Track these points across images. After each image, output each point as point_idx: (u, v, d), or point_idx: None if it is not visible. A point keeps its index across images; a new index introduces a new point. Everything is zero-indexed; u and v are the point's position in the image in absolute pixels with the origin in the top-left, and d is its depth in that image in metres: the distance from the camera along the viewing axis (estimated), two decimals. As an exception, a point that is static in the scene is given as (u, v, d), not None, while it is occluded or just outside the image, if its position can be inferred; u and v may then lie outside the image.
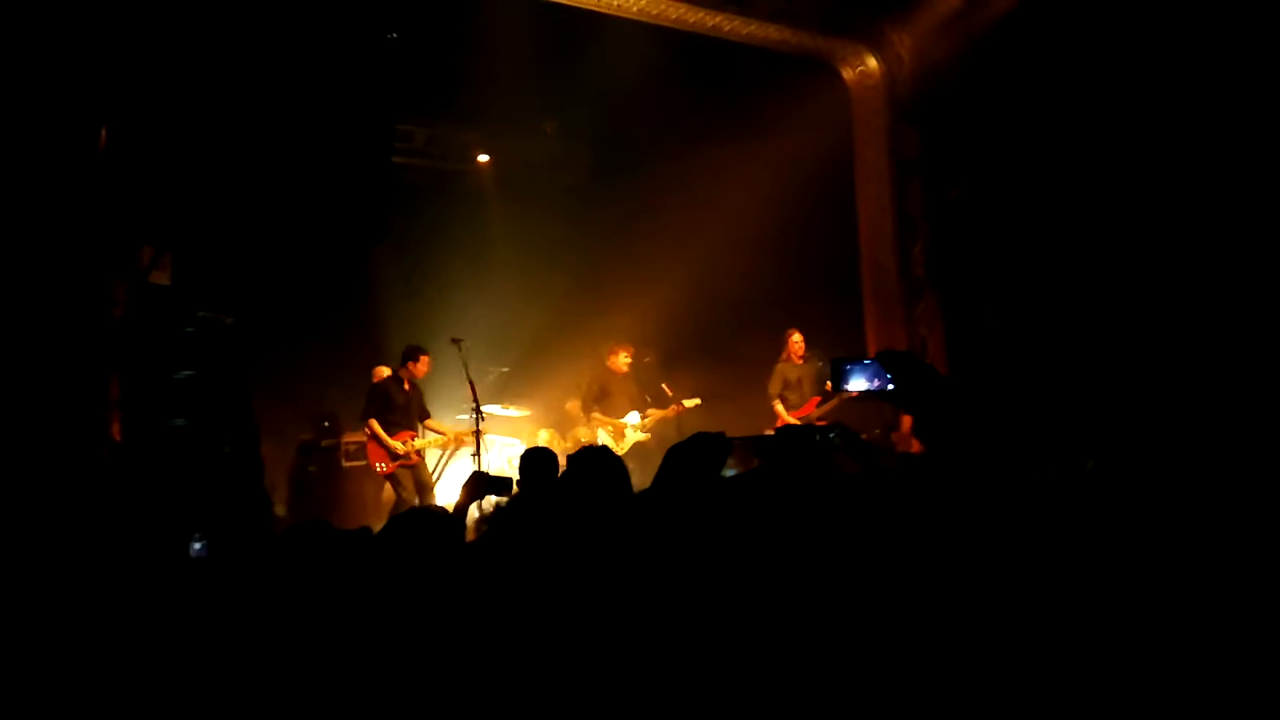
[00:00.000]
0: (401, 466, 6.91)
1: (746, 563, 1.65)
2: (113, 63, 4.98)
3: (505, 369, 8.50)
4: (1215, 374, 5.26)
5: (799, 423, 7.27)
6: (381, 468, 6.90)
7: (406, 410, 7.00)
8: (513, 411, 8.28)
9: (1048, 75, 6.54)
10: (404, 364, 7.07)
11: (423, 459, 7.05)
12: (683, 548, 1.77)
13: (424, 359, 7.08)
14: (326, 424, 8.09)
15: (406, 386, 7.06)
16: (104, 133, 5.06)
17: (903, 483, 1.87)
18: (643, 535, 1.97)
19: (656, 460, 2.37)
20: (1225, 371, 5.23)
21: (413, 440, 6.98)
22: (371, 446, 6.99)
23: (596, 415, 7.66)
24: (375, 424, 6.90)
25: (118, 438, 5.17)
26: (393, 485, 6.97)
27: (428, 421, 7.14)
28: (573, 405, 8.45)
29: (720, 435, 2.27)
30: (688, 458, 2.20)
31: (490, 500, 2.85)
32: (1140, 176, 6.05)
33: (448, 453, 7.56)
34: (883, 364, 1.85)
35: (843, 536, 1.65)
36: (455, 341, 6.87)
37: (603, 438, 7.58)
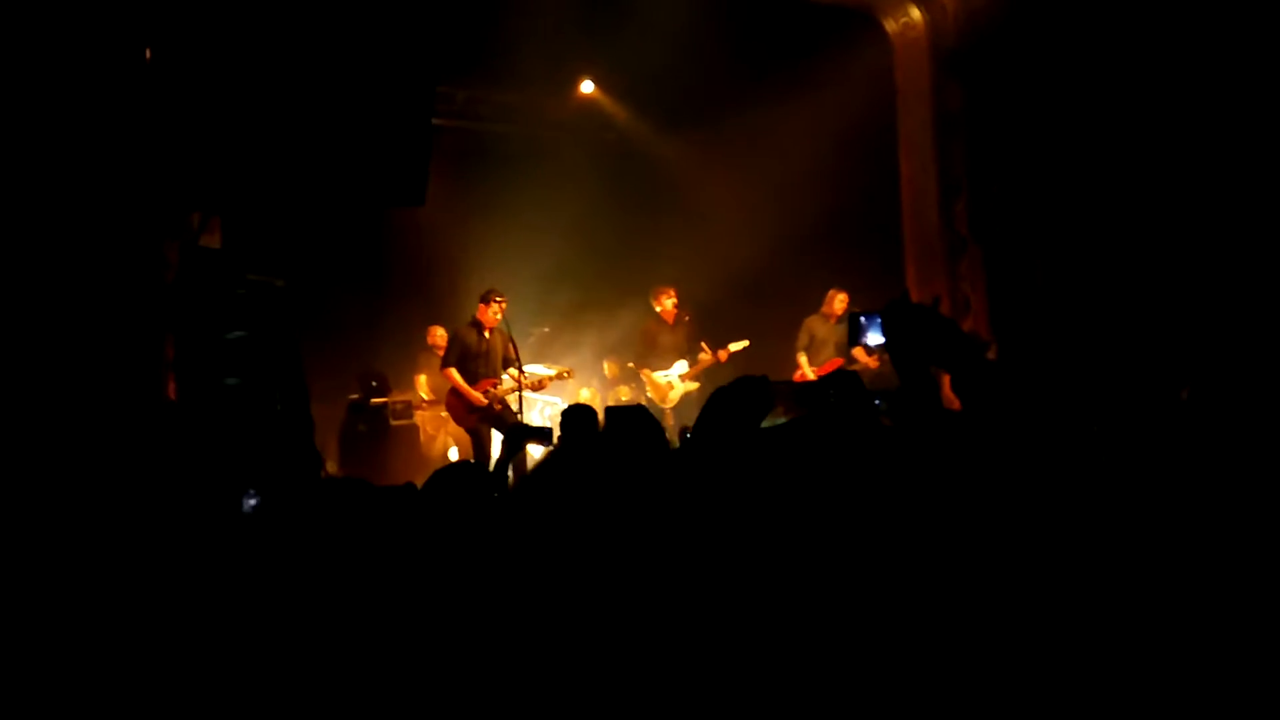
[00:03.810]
0: (482, 419, 6.63)
1: (787, 516, 1.62)
2: (163, 31, 5.06)
3: (546, 329, 8.58)
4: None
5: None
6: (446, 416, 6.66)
7: (487, 358, 6.69)
8: (553, 371, 8.36)
9: (1096, 24, 6.34)
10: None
11: (506, 408, 6.67)
12: (722, 499, 1.76)
13: (489, 304, 6.74)
14: (375, 383, 8.25)
15: (487, 333, 6.77)
16: (150, 104, 5.16)
17: (939, 439, 1.82)
18: (681, 487, 1.99)
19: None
20: None
21: (494, 389, 6.70)
22: (450, 399, 6.78)
23: (645, 371, 7.63)
24: (453, 373, 6.65)
25: (173, 397, 5.34)
26: (473, 441, 6.74)
27: (519, 368, 6.71)
28: (610, 366, 8.50)
29: (764, 379, 2.21)
30: (731, 402, 2.16)
31: (533, 451, 2.92)
32: (1190, 128, 5.88)
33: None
34: (882, 317, 1.80)
35: (885, 493, 1.60)
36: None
37: (649, 393, 7.60)
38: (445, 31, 6.59)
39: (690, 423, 4.12)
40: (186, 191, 5.43)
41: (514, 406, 6.66)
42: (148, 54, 5.02)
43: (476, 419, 6.67)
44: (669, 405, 7.49)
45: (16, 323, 4.52)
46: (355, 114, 5.41)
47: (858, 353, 7.54)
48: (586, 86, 9.62)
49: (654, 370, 7.63)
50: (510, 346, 6.73)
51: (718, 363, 7.58)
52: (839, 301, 7.66)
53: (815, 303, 7.80)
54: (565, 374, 6.99)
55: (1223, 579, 1.45)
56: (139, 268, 5.16)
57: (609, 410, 2.37)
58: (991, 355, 6.60)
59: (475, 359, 6.70)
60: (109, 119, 4.88)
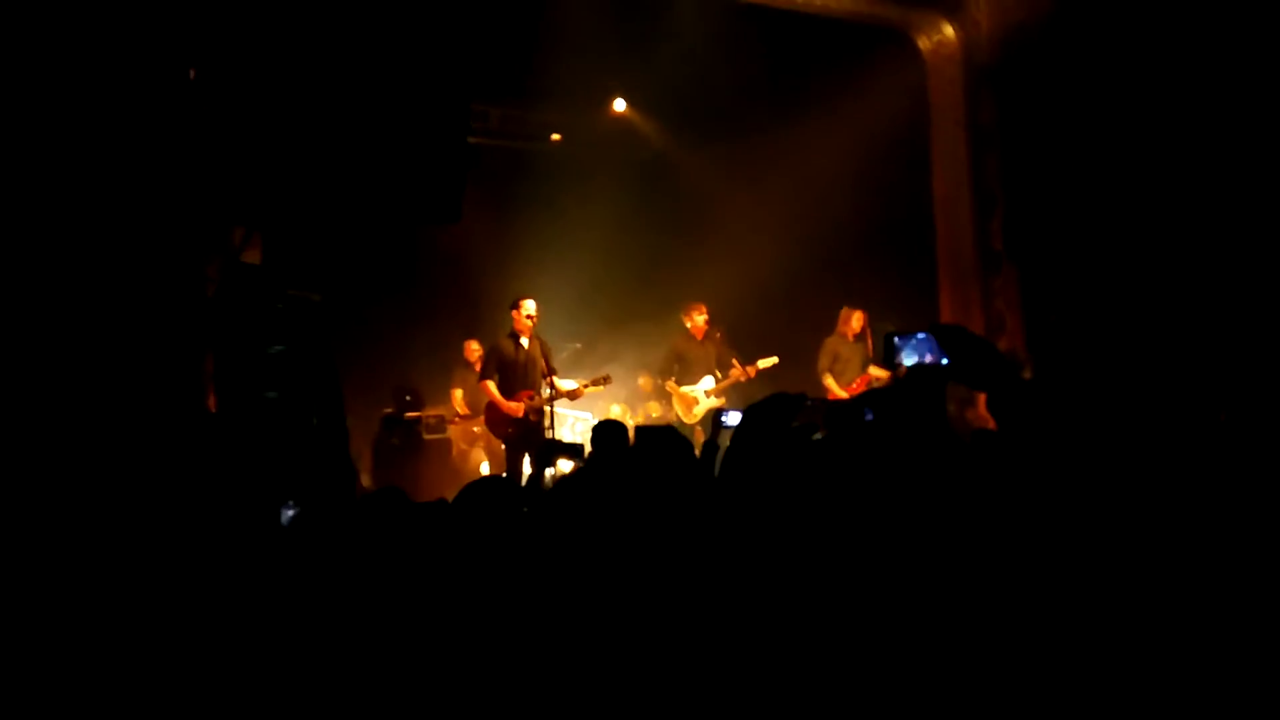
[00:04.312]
0: (519, 432, 6.55)
1: (821, 531, 1.60)
2: (207, 52, 5.19)
3: (578, 345, 8.63)
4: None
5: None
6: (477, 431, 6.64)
7: (525, 370, 6.62)
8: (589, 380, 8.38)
9: (1129, 39, 6.30)
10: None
11: (540, 421, 6.58)
12: (756, 514, 1.74)
13: (518, 308, 6.66)
14: (409, 398, 8.34)
15: (525, 342, 6.70)
16: (194, 122, 5.28)
17: (975, 458, 1.81)
18: (713, 500, 1.99)
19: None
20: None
21: (530, 400, 6.62)
22: (489, 411, 6.76)
23: (671, 384, 7.66)
24: (490, 385, 6.64)
25: (213, 409, 5.44)
26: (508, 455, 6.70)
27: (551, 379, 6.57)
28: (644, 381, 8.52)
29: (801, 396, 2.15)
30: (765, 417, 2.09)
31: (563, 466, 2.93)
32: (1224, 143, 5.81)
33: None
34: (937, 338, 1.76)
35: (922, 508, 1.58)
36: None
37: (676, 407, 7.61)
38: (481, 51, 6.69)
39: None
40: (229, 208, 5.55)
41: (547, 420, 6.67)
42: (191, 74, 5.15)
43: (514, 431, 6.66)
44: (693, 421, 7.49)
45: (60, 336, 4.63)
46: (393, 132, 5.51)
47: (876, 371, 7.52)
48: (619, 105, 9.71)
49: (681, 385, 7.64)
50: (544, 359, 6.71)
51: (747, 378, 7.57)
52: (856, 319, 7.64)
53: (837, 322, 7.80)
54: (603, 380, 6.99)
55: (1255, 599, 1.44)
56: (181, 283, 5.28)
57: (639, 430, 2.37)
58: (1027, 375, 6.54)
59: (512, 370, 6.70)
60: (153, 137, 5.00)
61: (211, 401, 5.43)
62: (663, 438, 2.36)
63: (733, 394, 7.62)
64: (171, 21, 5.05)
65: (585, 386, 6.84)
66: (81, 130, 4.72)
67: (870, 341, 7.68)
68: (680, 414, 7.55)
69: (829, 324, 7.86)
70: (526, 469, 6.56)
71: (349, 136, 5.51)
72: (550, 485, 3.30)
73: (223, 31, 5.22)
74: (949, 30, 7.95)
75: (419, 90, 5.63)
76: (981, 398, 7.32)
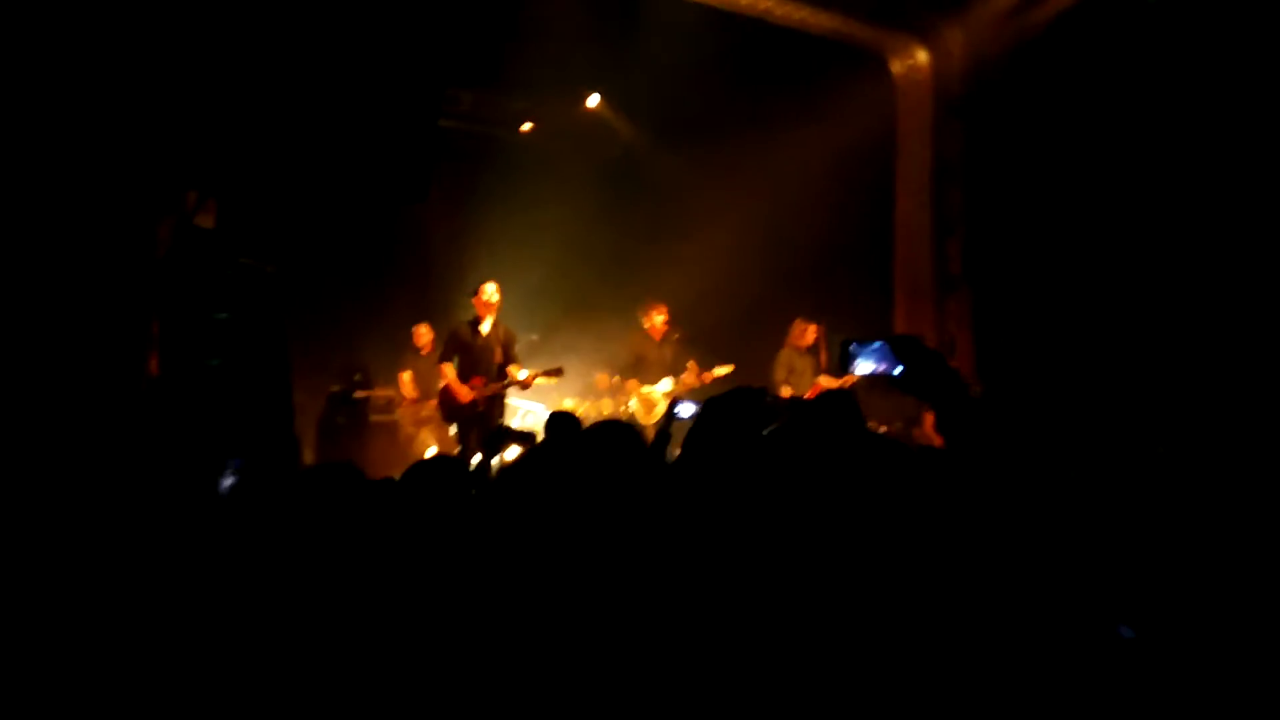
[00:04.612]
0: (467, 418, 6.53)
1: (780, 524, 1.60)
2: (165, 13, 5.07)
3: (534, 336, 8.60)
4: (1261, 376, 5.22)
5: None
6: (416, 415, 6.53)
7: (479, 354, 6.60)
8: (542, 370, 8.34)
9: (1097, 73, 6.46)
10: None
11: (491, 409, 6.56)
12: (717, 503, 1.74)
13: (479, 291, 6.66)
14: (358, 377, 8.23)
15: (483, 329, 6.67)
16: (156, 77, 5.17)
17: (920, 475, 1.83)
18: (668, 485, 1.98)
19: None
20: (1271, 373, 5.20)
21: (483, 387, 6.56)
22: (441, 394, 6.70)
23: (634, 384, 7.64)
24: (447, 369, 6.59)
25: (155, 373, 5.32)
26: (459, 439, 6.67)
27: (510, 369, 6.61)
28: (601, 378, 8.52)
29: (762, 390, 2.15)
30: (726, 411, 2.10)
31: (513, 452, 2.92)
32: (1189, 181, 5.99)
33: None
34: (893, 348, 1.78)
35: (880, 505, 1.59)
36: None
37: (633, 405, 7.60)
38: (457, 34, 6.64)
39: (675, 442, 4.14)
40: (183, 171, 5.43)
41: (497, 409, 6.63)
42: (152, 39, 5.03)
43: (463, 417, 6.62)
44: (650, 422, 7.50)
45: (2, 293, 4.50)
46: (363, 108, 5.44)
47: (827, 380, 7.60)
48: (592, 100, 9.70)
49: (642, 385, 7.64)
50: (504, 347, 6.69)
51: (701, 384, 7.61)
52: (810, 332, 7.70)
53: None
54: (555, 373, 6.97)
55: (1193, 621, 1.49)
56: (130, 242, 5.15)
57: (597, 424, 2.37)
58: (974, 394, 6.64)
59: (468, 355, 6.65)
60: (108, 97, 4.88)
61: (155, 365, 5.31)
62: (615, 429, 2.35)
63: (687, 397, 7.64)
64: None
65: (535, 376, 6.82)
66: (30, 83, 4.58)
67: (824, 354, 7.75)
68: (638, 415, 7.56)
69: (785, 334, 7.92)
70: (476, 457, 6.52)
71: (317, 108, 5.44)
72: (498, 471, 3.29)
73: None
74: (922, 56, 8.08)
75: (392, 68, 5.57)
76: (928, 417, 7.48)
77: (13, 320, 4.49)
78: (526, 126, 9.94)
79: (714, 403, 2.07)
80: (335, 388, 8.20)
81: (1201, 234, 5.93)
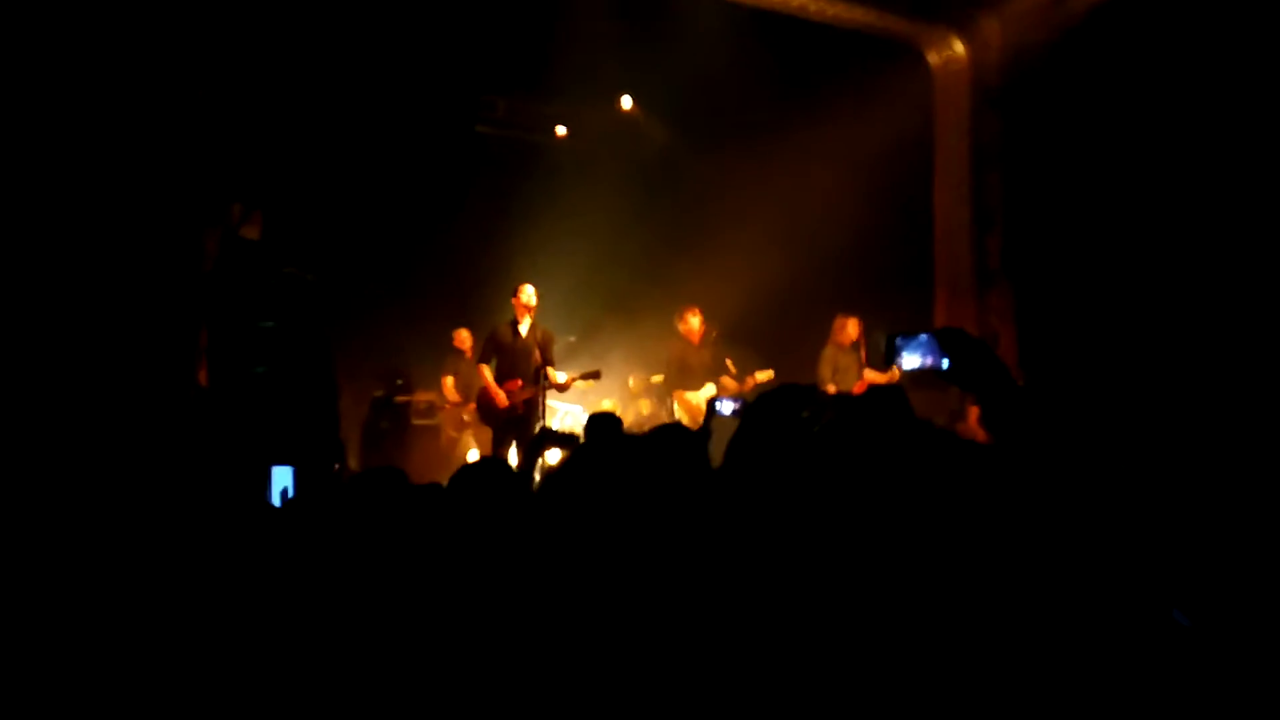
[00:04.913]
0: (506, 421, 6.55)
1: (835, 525, 1.58)
2: (213, 27, 5.19)
3: (572, 338, 8.63)
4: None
5: None
6: (467, 419, 6.60)
7: (517, 356, 6.56)
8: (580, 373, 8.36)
9: (1134, 69, 6.36)
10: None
11: (531, 411, 6.52)
12: (767, 501, 1.70)
13: (517, 292, 6.65)
14: (400, 381, 8.32)
15: (523, 330, 6.65)
16: (202, 94, 5.29)
17: (966, 472, 1.80)
18: (715, 488, 1.97)
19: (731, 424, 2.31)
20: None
21: (519, 390, 6.56)
22: (481, 396, 6.73)
23: (679, 393, 7.55)
24: (484, 369, 6.64)
25: (204, 382, 5.44)
26: (494, 444, 6.70)
27: (547, 371, 6.52)
28: (635, 383, 8.52)
29: (811, 387, 2.07)
30: (775, 408, 2.02)
31: (556, 455, 2.94)
32: (1227, 172, 5.87)
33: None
34: (939, 340, 1.76)
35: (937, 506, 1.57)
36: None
37: (679, 414, 7.57)
38: (492, 43, 6.71)
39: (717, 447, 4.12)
40: (230, 183, 5.55)
41: (538, 411, 6.66)
42: (201, 54, 5.15)
43: (501, 419, 6.66)
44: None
45: (56, 303, 4.62)
46: (402, 117, 5.53)
47: (873, 375, 7.52)
48: (626, 102, 9.72)
49: (686, 391, 7.58)
50: (542, 349, 6.66)
51: (741, 391, 7.57)
52: (851, 326, 7.61)
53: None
54: (593, 375, 6.99)
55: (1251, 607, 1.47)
56: (178, 254, 5.28)
57: (656, 428, 2.34)
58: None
59: (506, 357, 6.68)
60: (159, 112, 5.00)
61: (203, 375, 5.43)
62: (675, 433, 2.33)
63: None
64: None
65: (574, 379, 6.83)
66: (86, 106, 4.71)
67: (864, 349, 7.69)
68: (685, 421, 7.52)
69: (825, 332, 7.87)
70: (513, 458, 6.57)
71: (357, 119, 5.53)
72: (541, 474, 3.31)
73: (237, 13, 5.23)
74: (959, 47, 7.99)
75: (430, 78, 5.66)
76: (972, 411, 7.39)
77: (65, 332, 4.61)
78: (561, 131, 9.99)
79: (763, 399, 2.04)
80: (378, 393, 8.30)
81: (1241, 222, 5.80)
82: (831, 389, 7.53)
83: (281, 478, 4.56)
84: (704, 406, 7.44)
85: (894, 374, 6.49)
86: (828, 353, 7.60)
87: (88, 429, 4.44)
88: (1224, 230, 5.90)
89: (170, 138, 5.07)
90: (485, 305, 7.87)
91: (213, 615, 2.09)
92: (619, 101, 9.73)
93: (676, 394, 7.56)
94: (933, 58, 8.15)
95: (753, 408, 2.00)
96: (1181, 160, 6.17)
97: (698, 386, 7.56)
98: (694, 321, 7.57)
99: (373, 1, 5.59)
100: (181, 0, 5.04)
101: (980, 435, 6.51)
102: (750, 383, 7.54)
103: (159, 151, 5.04)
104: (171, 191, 5.14)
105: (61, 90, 4.62)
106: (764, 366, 7.61)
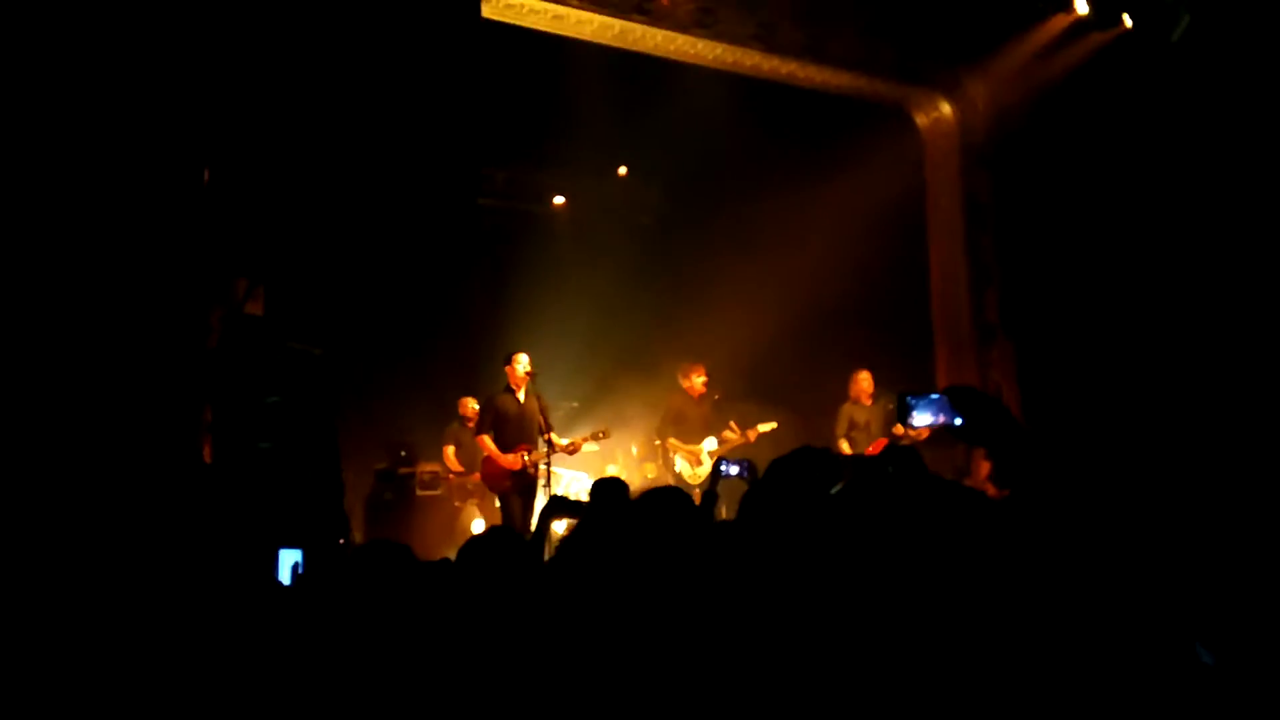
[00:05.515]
0: (516, 486, 6.55)
1: (853, 588, 1.55)
2: (216, 106, 5.30)
3: (575, 404, 8.63)
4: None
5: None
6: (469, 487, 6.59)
7: (521, 424, 6.62)
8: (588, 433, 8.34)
9: (1119, 122, 6.50)
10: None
11: (535, 478, 6.55)
12: (787, 568, 1.69)
13: (512, 361, 6.75)
14: (403, 453, 8.29)
15: (521, 397, 6.74)
16: (207, 173, 5.39)
17: (976, 527, 1.80)
18: (727, 550, 1.96)
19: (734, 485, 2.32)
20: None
21: (527, 455, 6.61)
22: (485, 465, 6.75)
23: (673, 441, 7.56)
24: (486, 439, 6.64)
25: (208, 459, 5.42)
26: (503, 511, 6.69)
27: (549, 435, 6.57)
28: (639, 447, 8.49)
29: (826, 450, 2.10)
30: (792, 472, 2.05)
31: (567, 523, 2.93)
32: (1216, 223, 5.96)
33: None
34: (951, 399, 1.77)
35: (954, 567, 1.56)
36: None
37: (679, 464, 7.54)
38: (490, 118, 6.86)
39: (726, 500, 4.10)
40: (234, 260, 5.61)
41: (543, 478, 6.63)
42: (205, 133, 5.25)
43: (511, 485, 6.61)
44: (697, 482, 7.44)
45: (62, 383, 4.64)
46: (403, 193, 5.61)
47: (899, 430, 7.48)
48: (622, 170, 9.89)
49: (683, 442, 7.56)
50: (541, 415, 6.68)
51: (746, 443, 7.55)
52: (864, 381, 7.62)
53: (842, 386, 7.81)
54: (602, 434, 6.96)
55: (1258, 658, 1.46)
56: (184, 332, 5.31)
57: (647, 491, 2.36)
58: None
59: (508, 424, 6.68)
60: (163, 190, 5.09)
61: (208, 451, 5.42)
62: (665, 495, 2.34)
63: (732, 455, 7.59)
64: (186, 79, 5.17)
65: (584, 440, 6.82)
66: (91, 184, 4.79)
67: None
68: (684, 470, 7.46)
69: (825, 389, 7.88)
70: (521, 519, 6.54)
71: (359, 194, 5.62)
72: (554, 542, 3.29)
73: (239, 92, 5.35)
74: (946, 109, 8.17)
75: (430, 152, 5.76)
76: (982, 466, 7.35)
77: (69, 412, 4.62)
78: (559, 200, 10.15)
79: (780, 463, 2.05)
80: (381, 465, 8.26)
81: (1233, 269, 5.87)
82: (843, 445, 7.52)
83: (289, 555, 4.53)
84: (705, 458, 7.47)
85: (916, 432, 6.40)
86: (846, 408, 7.60)
87: (94, 507, 4.42)
88: (1216, 272, 5.97)
89: (175, 216, 5.15)
90: (488, 374, 7.88)
91: (224, 695, 2.07)
92: (614, 170, 9.90)
93: (670, 442, 7.51)
94: (921, 119, 8.32)
95: (771, 470, 2.01)
96: (1172, 207, 6.27)
97: (695, 441, 7.54)
98: (698, 381, 7.58)
99: (374, 79, 5.72)
100: (186, 77, 5.15)
101: (990, 490, 6.48)
102: (753, 434, 7.53)
103: (163, 230, 5.10)
104: (175, 269, 5.20)
105: (67, 168, 4.70)
106: (766, 419, 7.61)
